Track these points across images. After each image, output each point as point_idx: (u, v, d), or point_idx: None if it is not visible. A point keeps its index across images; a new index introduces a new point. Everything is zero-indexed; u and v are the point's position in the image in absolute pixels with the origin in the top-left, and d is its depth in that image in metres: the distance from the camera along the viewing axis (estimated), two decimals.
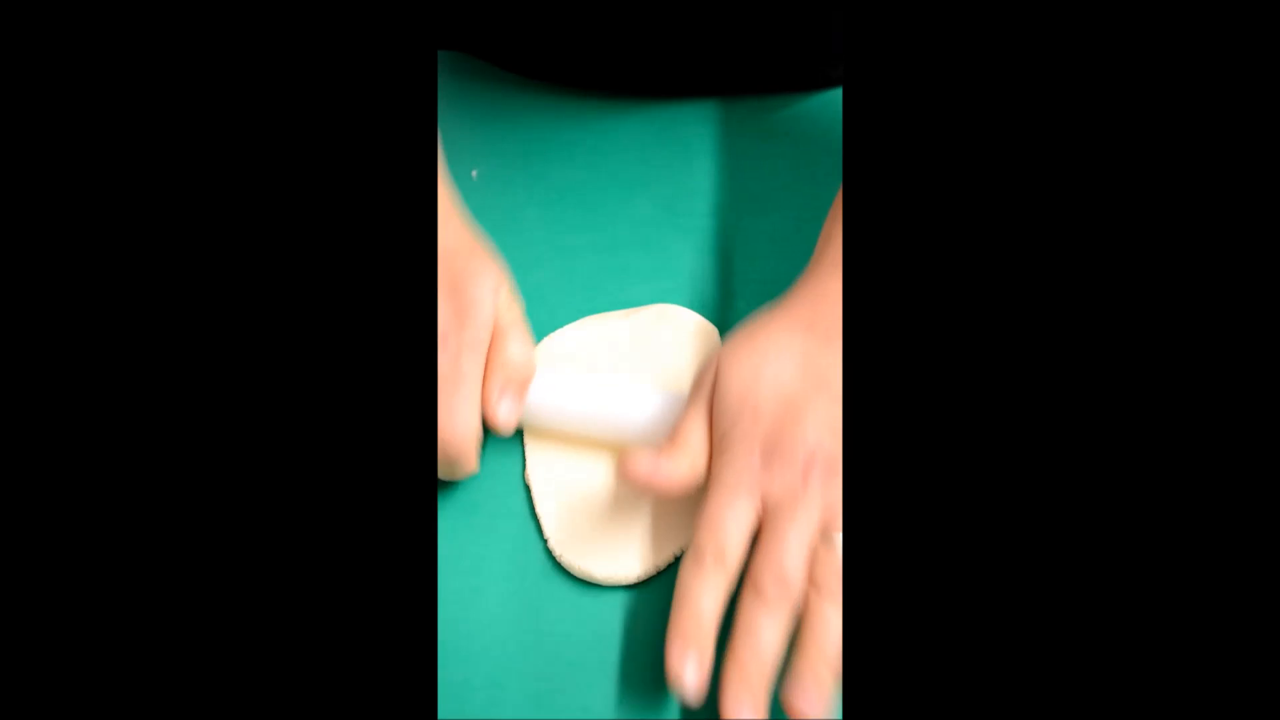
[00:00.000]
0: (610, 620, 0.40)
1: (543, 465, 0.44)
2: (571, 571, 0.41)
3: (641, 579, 0.41)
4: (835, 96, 0.60)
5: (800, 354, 0.40)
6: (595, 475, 0.44)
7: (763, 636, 0.34)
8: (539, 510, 0.43)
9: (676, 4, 0.56)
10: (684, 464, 0.39)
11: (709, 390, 0.40)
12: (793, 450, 0.37)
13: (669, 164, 0.57)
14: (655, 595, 0.41)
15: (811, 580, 0.36)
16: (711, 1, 0.55)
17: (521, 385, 0.43)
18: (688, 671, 0.34)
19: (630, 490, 0.42)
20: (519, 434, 0.46)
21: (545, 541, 0.42)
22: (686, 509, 0.42)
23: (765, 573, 0.35)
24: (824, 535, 0.36)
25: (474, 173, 0.59)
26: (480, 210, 0.52)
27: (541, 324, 0.50)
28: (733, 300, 0.51)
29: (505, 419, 0.42)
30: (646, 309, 0.50)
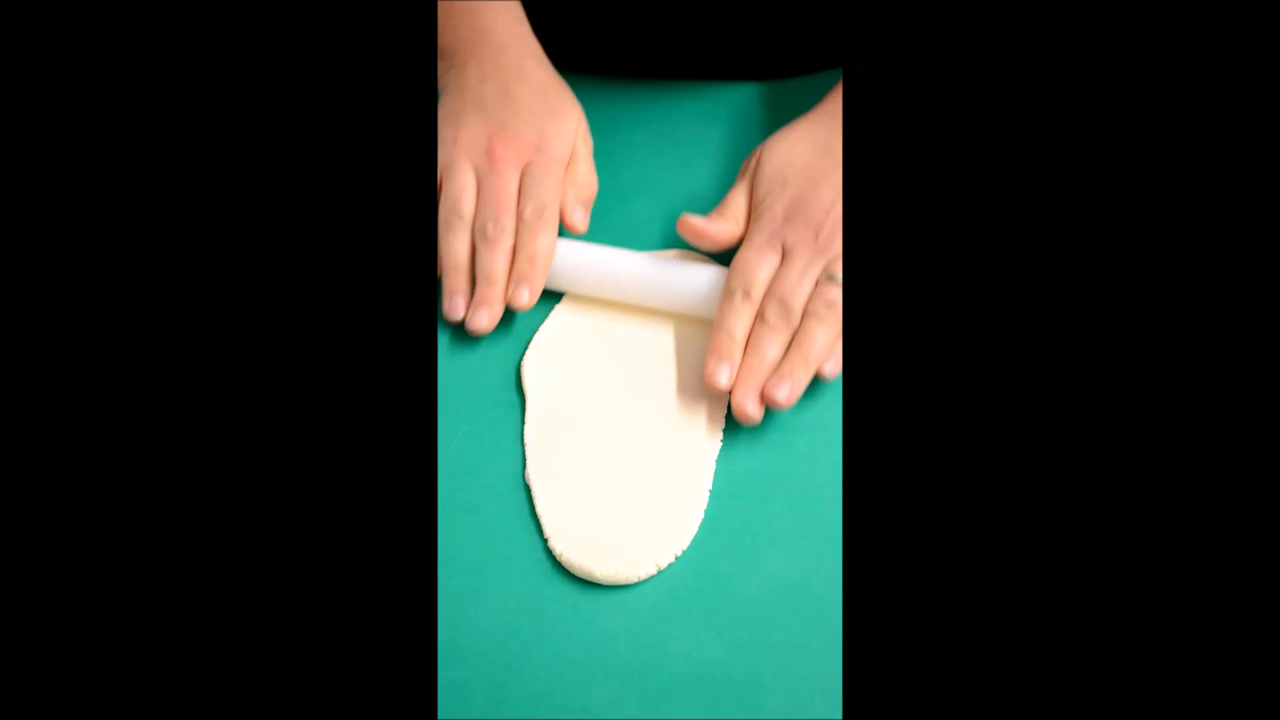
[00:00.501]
0: (610, 620, 0.40)
1: (543, 465, 0.44)
2: (572, 571, 0.41)
3: (642, 579, 0.41)
4: (833, 79, 0.60)
5: (825, 140, 0.49)
6: (596, 475, 0.44)
7: (765, 352, 0.44)
8: (539, 510, 0.43)
9: (673, 3, 0.56)
10: (729, 225, 0.49)
11: (751, 172, 0.50)
12: (809, 210, 0.46)
13: (670, 164, 0.57)
14: (656, 595, 0.41)
15: (808, 309, 0.45)
16: None
17: (588, 200, 0.52)
18: (722, 376, 0.44)
19: (691, 240, 0.49)
20: (520, 432, 0.46)
21: (545, 541, 0.42)
22: (683, 510, 0.42)
23: (770, 305, 0.45)
24: (827, 275, 0.45)
25: None
26: None
27: (541, 322, 0.50)
28: None
29: (579, 225, 0.51)
30: (668, 251, 0.52)
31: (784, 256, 0.46)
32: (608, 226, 0.53)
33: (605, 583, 0.41)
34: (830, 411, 0.46)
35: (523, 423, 0.46)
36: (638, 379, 0.47)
